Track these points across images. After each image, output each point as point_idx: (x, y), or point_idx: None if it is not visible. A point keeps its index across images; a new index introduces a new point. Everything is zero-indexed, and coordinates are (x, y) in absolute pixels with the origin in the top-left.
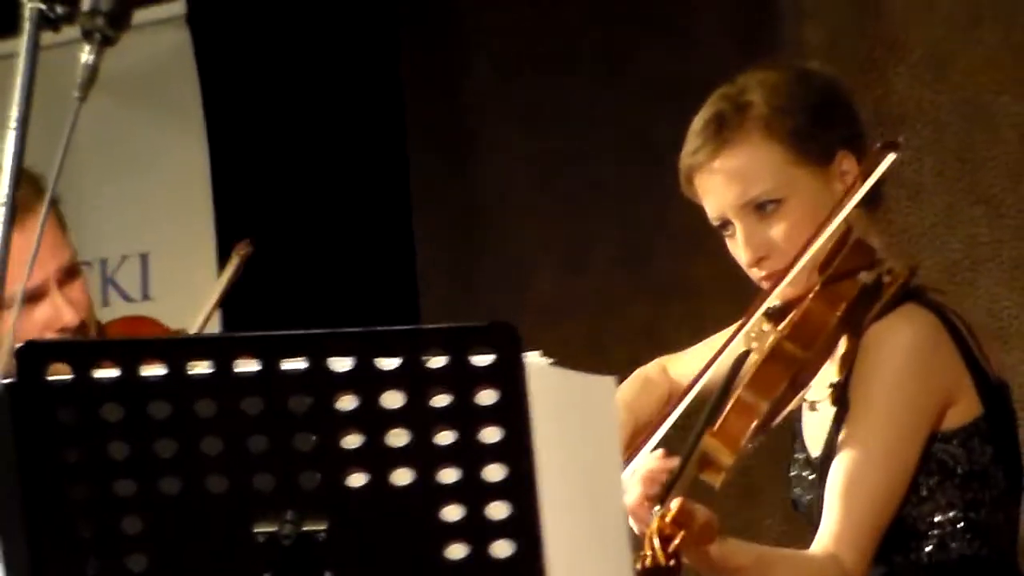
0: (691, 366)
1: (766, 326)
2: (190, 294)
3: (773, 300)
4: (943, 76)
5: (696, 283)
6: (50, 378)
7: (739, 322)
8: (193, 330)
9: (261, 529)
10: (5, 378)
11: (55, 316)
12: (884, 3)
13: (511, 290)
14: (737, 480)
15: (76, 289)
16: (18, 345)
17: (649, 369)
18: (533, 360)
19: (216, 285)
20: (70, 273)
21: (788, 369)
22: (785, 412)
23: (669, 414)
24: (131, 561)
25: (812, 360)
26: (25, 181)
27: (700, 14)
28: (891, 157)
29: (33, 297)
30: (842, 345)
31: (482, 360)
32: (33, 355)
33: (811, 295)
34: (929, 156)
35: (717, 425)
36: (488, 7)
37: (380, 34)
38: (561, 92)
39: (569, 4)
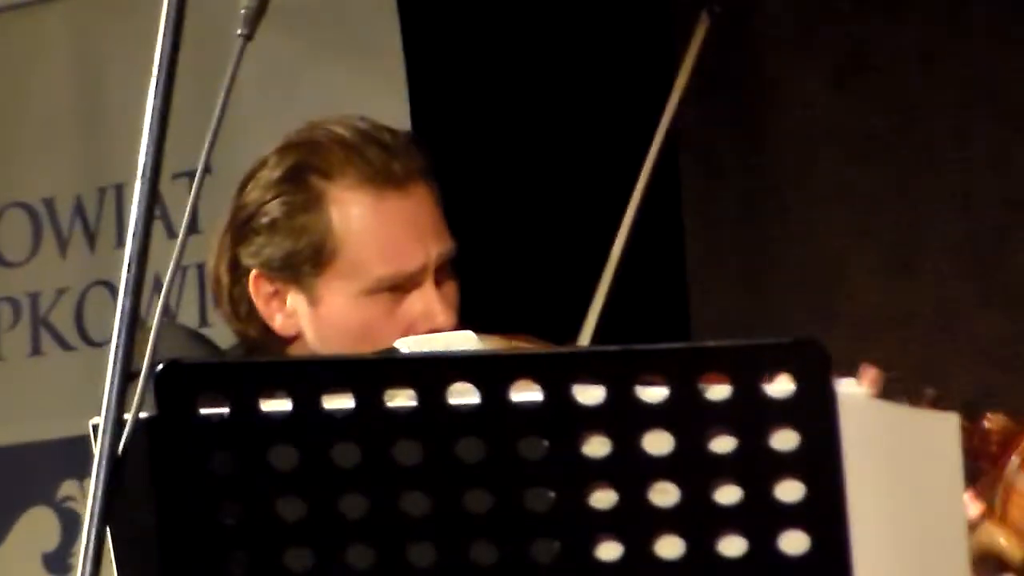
0: None
1: None
2: None
3: None
4: None
5: None
6: (202, 411)
7: None
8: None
9: None
10: (143, 412)
11: (427, 312)
12: None
13: (815, 295)
14: None
15: (453, 289)
16: (160, 366)
17: None
18: (848, 390)
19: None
20: (449, 270)
21: None
22: None
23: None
24: None
25: None
26: (410, 145)
27: None
28: None
29: (402, 285)
30: None
31: (779, 390)
32: (180, 381)
33: None
34: None
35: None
36: None
37: None
38: (884, 36)
39: None
